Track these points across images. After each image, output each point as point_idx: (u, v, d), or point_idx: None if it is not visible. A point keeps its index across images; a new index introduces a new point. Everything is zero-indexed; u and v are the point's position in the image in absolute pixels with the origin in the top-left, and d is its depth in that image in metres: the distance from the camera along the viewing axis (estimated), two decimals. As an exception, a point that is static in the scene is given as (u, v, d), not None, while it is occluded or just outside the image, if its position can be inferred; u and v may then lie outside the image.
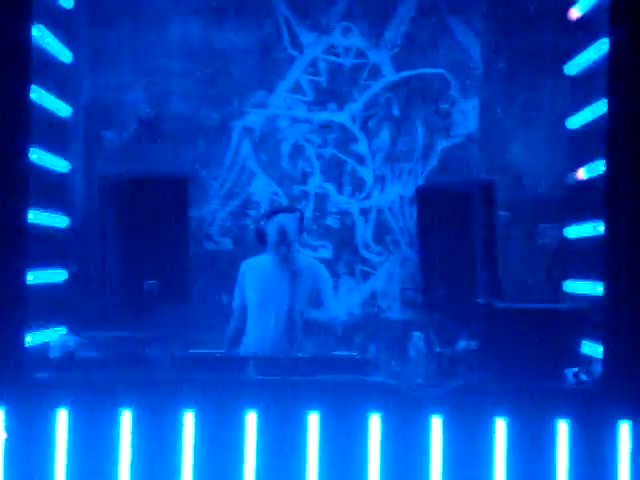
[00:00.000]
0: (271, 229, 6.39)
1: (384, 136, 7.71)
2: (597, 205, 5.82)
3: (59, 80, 6.71)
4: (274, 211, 6.57)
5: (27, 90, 5.51)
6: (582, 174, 6.35)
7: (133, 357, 5.56)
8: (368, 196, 7.73)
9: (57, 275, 6.65)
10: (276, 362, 5.52)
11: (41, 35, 6.13)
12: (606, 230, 5.49)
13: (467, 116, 7.66)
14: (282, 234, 6.35)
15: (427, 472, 5.17)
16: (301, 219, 6.51)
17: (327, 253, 7.70)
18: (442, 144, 7.68)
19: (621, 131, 5.44)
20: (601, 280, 5.56)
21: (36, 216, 5.89)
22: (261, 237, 6.49)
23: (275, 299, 6.43)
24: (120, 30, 7.53)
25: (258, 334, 6.45)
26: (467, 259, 6.23)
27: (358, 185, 7.73)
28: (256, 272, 6.56)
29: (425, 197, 6.93)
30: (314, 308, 6.51)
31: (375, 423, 5.17)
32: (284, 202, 7.67)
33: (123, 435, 5.20)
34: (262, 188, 7.72)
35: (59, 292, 6.62)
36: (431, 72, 7.67)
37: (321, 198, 7.72)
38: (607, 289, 5.44)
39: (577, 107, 6.88)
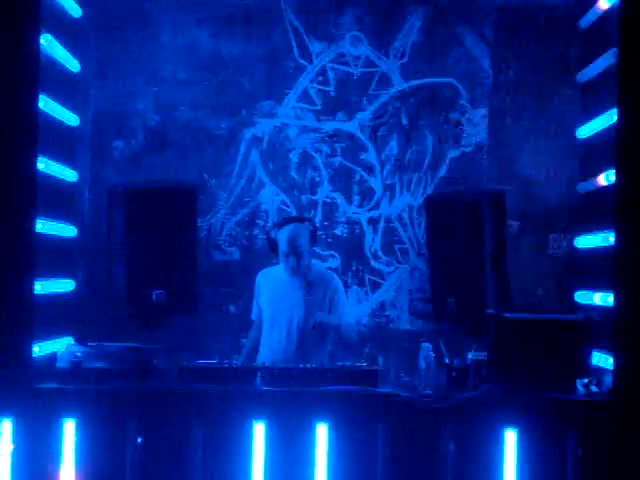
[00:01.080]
0: (281, 239, 6.37)
1: (393, 145, 7.70)
2: (608, 215, 5.80)
3: (67, 90, 6.72)
4: (285, 221, 6.55)
5: (35, 99, 5.52)
6: (602, 180, 6.27)
7: (140, 368, 5.53)
8: (377, 205, 7.71)
9: (65, 285, 6.64)
10: (284, 373, 5.51)
11: (49, 45, 6.13)
12: (616, 240, 5.47)
13: (477, 126, 7.65)
14: (292, 244, 6.32)
15: (437, 484, 5.16)
16: (313, 230, 6.48)
17: (336, 263, 7.68)
18: (451, 154, 7.66)
19: (631, 141, 5.43)
20: (612, 291, 5.54)
21: (44, 226, 5.88)
22: (273, 247, 6.47)
23: (287, 310, 6.41)
24: (128, 39, 7.54)
25: (270, 346, 6.44)
26: (476, 269, 6.21)
27: (367, 194, 7.71)
28: (270, 283, 6.56)
29: (434, 207, 6.92)
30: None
31: (385, 435, 5.15)
32: (293, 212, 7.66)
33: (128, 446, 5.19)
34: (270, 197, 7.70)
35: (66, 302, 6.61)
36: (440, 81, 7.65)
37: (330, 207, 7.71)
38: (617, 299, 5.42)
39: (587, 116, 6.86)
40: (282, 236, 6.36)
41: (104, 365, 5.53)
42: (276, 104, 7.70)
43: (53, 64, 6.38)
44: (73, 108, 6.86)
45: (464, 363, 5.54)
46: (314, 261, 6.70)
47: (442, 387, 5.47)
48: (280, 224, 6.49)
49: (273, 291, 6.51)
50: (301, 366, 5.66)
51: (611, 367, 5.50)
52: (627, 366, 5.32)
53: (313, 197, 7.71)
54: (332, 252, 7.70)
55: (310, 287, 6.35)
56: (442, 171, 7.67)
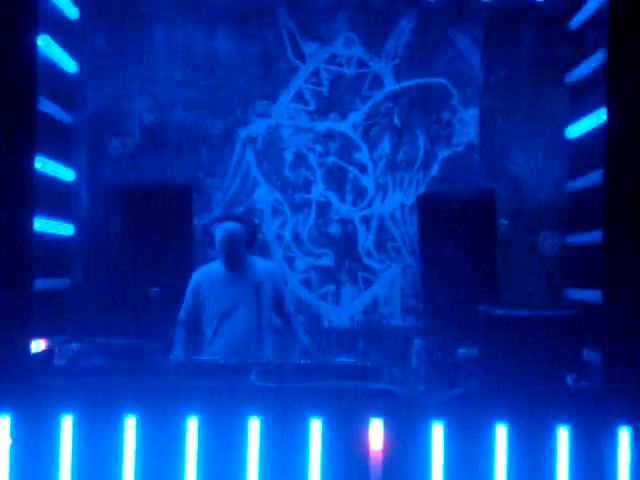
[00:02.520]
0: (217, 236, 6.42)
1: (385, 145, 7.75)
2: (597, 213, 5.85)
3: (64, 89, 6.76)
4: (222, 218, 6.57)
5: (33, 99, 5.55)
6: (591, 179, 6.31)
7: (137, 364, 5.57)
8: (370, 204, 7.76)
9: (62, 283, 6.68)
10: (278, 369, 5.56)
11: (46, 45, 6.17)
12: (605, 238, 5.53)
13: (468, 125, 7.70)
14: (227, 241, 6.38)
15: (429, 478, 5.20)
16: (252, 232, 6.53)
17: (329, 261, 7.74)
18: (443, 153, 7.72)
19: (620, 140, 5.48)
20: (600, 287, 5.60)
21: (42, 224, 5.93)
22: (212, 242, 6.51)
23: (239, 305, 6.43)
24: (124, 40, 7.57)
25: (224, 340, 6.45)
26: (468, 267, 6.28)
27: (360, 193, 7.77)
28: (212, 280, 6.52)
29: (426, 205, 7.00)
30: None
31: (377, 429, 5.21)
32: (286, 210, 7.71)
33: (127, 441, 5.23)
34: (265, 196, 7.75)
35: (64, 299, 6.64)
36: (432, 82, 7.71)
37: (323, 206, 7.76)
38: (606, 296, 5.48)
39: (577, 116, 6.92)
40: (218, 233, 6.41)
41: (101, 361, 5.57)
42: (270, 104, 7.75)
43: (50, 64, 6.43)
44: (70, 108, 6.90)
45: (455, 359, 5.58)
46: (258, 258, 6.71)
47: (434, 382, 5.50)
48: (218, 221, 6.51)
49: (218, 288, 6.49)
50: (295, 362, 5.71)
51: (600, 362, 5.56)
52: (616, 361, 5.38)
53: (307, 196, 7.76)
54: (325, 250, 7.75)
55: (255, 280, 6.37)
56: (434, 170, 7.72)
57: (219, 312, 6.47)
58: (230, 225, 6.43)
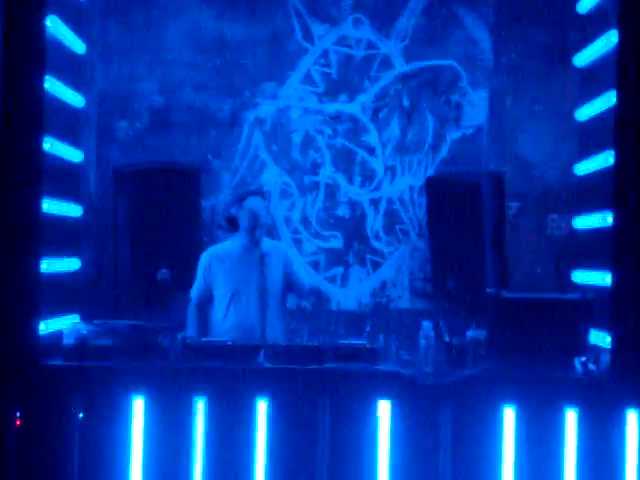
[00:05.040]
0: (244, 213, 6.43)
1: (394, 127, 7.74)
2: (606, 196, 5.85)
3: (72, 71, 6.75)
4: (244, 195, 6.57)
5: (41, 80, 5.56)
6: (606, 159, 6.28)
7: (145, 345, 5.58)
8: (378, 187, 7.76)
9: (70, 264, 6.69)
10: (286, 351, 5.57)
11: (55, 26, 6.16)
12: (614, 221, 5.52)
13: (477, 107, 7.69)
14: (255, 218, 6.39)
15: (436, 459, 5.21)
16: (267, 202, 6.57)
17: (337, 243, 7.74)
18: (452, 135, 7.71)
19: (630, 122, 5.47)
20: (609, 270, 5.59)
21: (50, 205, 5.93)
22: (234, 223, 6.50)
23: (248, 284, 6.42)
24: (133, 21, 7.57)
25: (234, 321, 6.45)
26: (476, 249, 6.27)
27: (368, 176, 7.76)
28: (223, 260, 6.52)
29: (435, 188, 6.99)
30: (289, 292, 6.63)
31: (385, 411, 5.22)
32: (295, 193, 7.71)
33: (135, 422, 5.25)
34: (273, 179, 7.75)
35: (72, 281, 6.66)
36: (441, 64, 7.69)
37: (332, 188, 7.76)
38: (615, 279, 5.48)
39: (586, 98, 6.90)
40: (245, 210, 6.42)
41: (109, 342, 5.58)
42: (279, 86, 7.74)
43: (59, 46, 6.41)
44: (78, 89, 6.90)
45: (463, 341, 5.59)
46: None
47: (442, 365, 5.51)
48: (239, 200, 6.51)
49: (231, 268, 6.50)
50: (304, 344, 5.72)
51: (608, 345, 5.56)
52: (624, 344, 5.38)
53: (315, 178, 7.76)
54: (334, 232, 7.75)
55: (266, 259, 6.35)
56: (443, 152, 7.71)
57: (229, 292, 6.47)
58: (258, 201, 6.47)
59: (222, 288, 6.50)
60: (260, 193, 6.71)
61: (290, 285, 6.54)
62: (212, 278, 6.52)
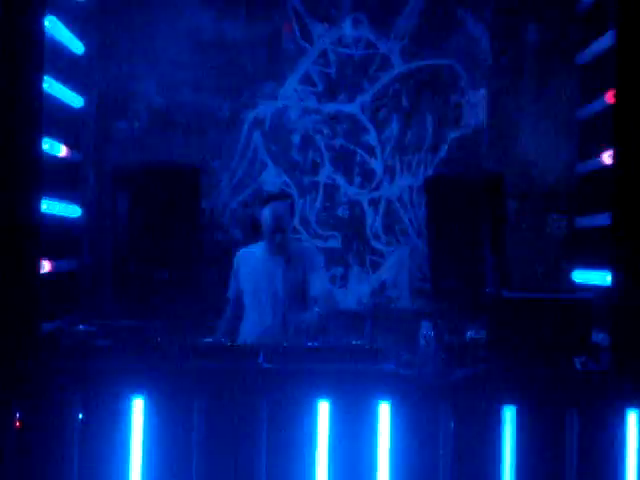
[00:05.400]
0: (265, 217, 6.40)
1: (393, 127, 7.74)
2: (606, 195, 5.84)
3: (71, 71, 6.75)
4: (266, 199, 6.56)
5: (39, 81, 5.53)
6: (607, 159, 6.26)
7: (145, 346, 5.57)
8: (377, 187, 7.76)
9: (70, 264, 6.69)
10: (286, 351, 5.56)
11: (53, 26, 6.16)
12: (614, 220, 5.51)
13: (476, 107, 7.68)
14: (276, 222, 6.34)
15: (437, 459, 5.20)
16: (292, 205, 6.52)
17: (337, 243, 7.74)
18: (451, 135, 7.71)
19: (630, 121, 5.46)
20: (609, 269, 5.58)
21: (49, 206, 5.93)
22: (256, 225, 6.48)
23: (269, 288, 6.42)
24: (131, 21, 7.56)
25: (254, 323, 6.46)
26: (476, 249, 6.26)
27: (368, 176, 7.76)
28: (250, 261, 6.53)
29: (434, 188, 6.96)
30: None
31: (385, 412, 5.21)
32: (294, 193, 7.70)
33: (135, 423, 5.24)
34: (272, 179, 7.75)
35: (72, 281, 6.66)
36: (440, 63, 7.69)
37: (331, 189, 7.75)
38: (615, 278, 5.47)
39: (586, 98, 6.89)
40: (266, 214, 6.36)
41: (109, 343, 5.57)
42: (278, 86, 7.74)
43: (57, 46, 6.42)
44: (77, 90, 6.90)
45: (463, 341, 5.58)
46: (309, 239, 6.71)
47: (442, 365, 5.50)
48: (262, 202, 6.50)
49: (254, 270, 6.49)
50: (303, 344, 5.70)
51: (609, 345, 5.55)
52: (624, 344, 5.37)
53: (314, 178, 7.76)
54: (333, 233, 7.75)
55: (289, 263, 6.35)
56: (442, 152, 7.71)
57: (250, 294, 6.49)
58: (278, 204, 6.40)
59: (246, 289, 6.53)
60: (283, 197, 6.67)
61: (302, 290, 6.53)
62: (240, 279, 6.56)
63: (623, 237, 5.43)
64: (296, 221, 7.69)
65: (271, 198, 6.53)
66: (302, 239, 7.64)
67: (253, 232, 6.58)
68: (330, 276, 7.69)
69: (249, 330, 6.47)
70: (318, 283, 6.48)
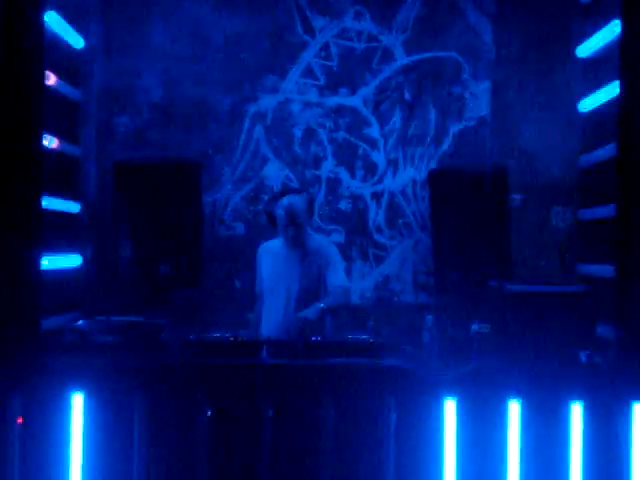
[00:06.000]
0: (279, 211, 6.37)
1: (396, 120, 7.71)
2: (610, 187, 5.82)
3: (71, 66, 6.74)
4: (282, 192, 6.54)
5: (40, 76, 5.52)
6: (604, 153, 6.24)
7: (147, 341, 5.56)
8: (380, 180, 7.74)
9: (71, 260, 6.68)
10: (289, 346, 5.54)
11: (53, 21, 6.14)
12: (618, 212, 5.49)
13: (479, 99, 7.66)
14: (290, 215, 6.31)
15: (441, 454, 5.19)
16: (311, 201, 6.49)
17: (340, 237, 7.71)
18: (454, 128, 7.68)
19: (633, 113, 5.44)
20: (614, 262, 5.56)
21: (50, 202, 5.91)
22: (272, 220, 6.46)
23: (285, 282, 6.40)
24: (132, 16, 7.54)
25: (270, 317, 6.45)
26: (479, 242, 6.25)
27: (370, 169, 7.74)
28: (269, 255, 6.53)
29: (438, 181, 6.97)
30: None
31: (389, 406, 5.19)
32: (296, 186, 7.68)
33: (137, 419, 5.22)
34: (275, 173, 7.73)
35: (74, 277, 6.64)
36: (443, 55, 7.67)
37: (333, 182, 7.73)
38: (619, 270, 5.45)
39: (589, 90, 6.88)
40: (280, 208, 6.34)
41: (111, 339, 5.56)
42: (280, 79, 7.71)
43: (57, 41, 6.40)
44: (77, 85, 6.88)
45: (467, 335, 5.57)
46: (315, 234, 6.69)
47: (446, 359, 5.49)
48: (277, 196, 6.48)
49: (272, 263, 6.48)
50: (306, 339, 5.68)
51: (614, 338, 5.53)
52: (630, 337, 5.35)
53: (317, 172, 7.74)
54: (336, 227, 7.73)
55: (307, 258, 6.35)
56: (445, 145, 7.69)
57: (270, 286, 6.47)
58: (293, 198, 6.36)
59: (266, 283, 6.51)
60: (300, 191, 6.65)
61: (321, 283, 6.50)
62: (261, 272, 6.55)
63: (627, 229, 5.41)
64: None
65: (287, 192, 6.51)
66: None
67: (271, 227, 6.52)
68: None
69: (266, 325, 6.45)
70: (338, 275, 6.45)
